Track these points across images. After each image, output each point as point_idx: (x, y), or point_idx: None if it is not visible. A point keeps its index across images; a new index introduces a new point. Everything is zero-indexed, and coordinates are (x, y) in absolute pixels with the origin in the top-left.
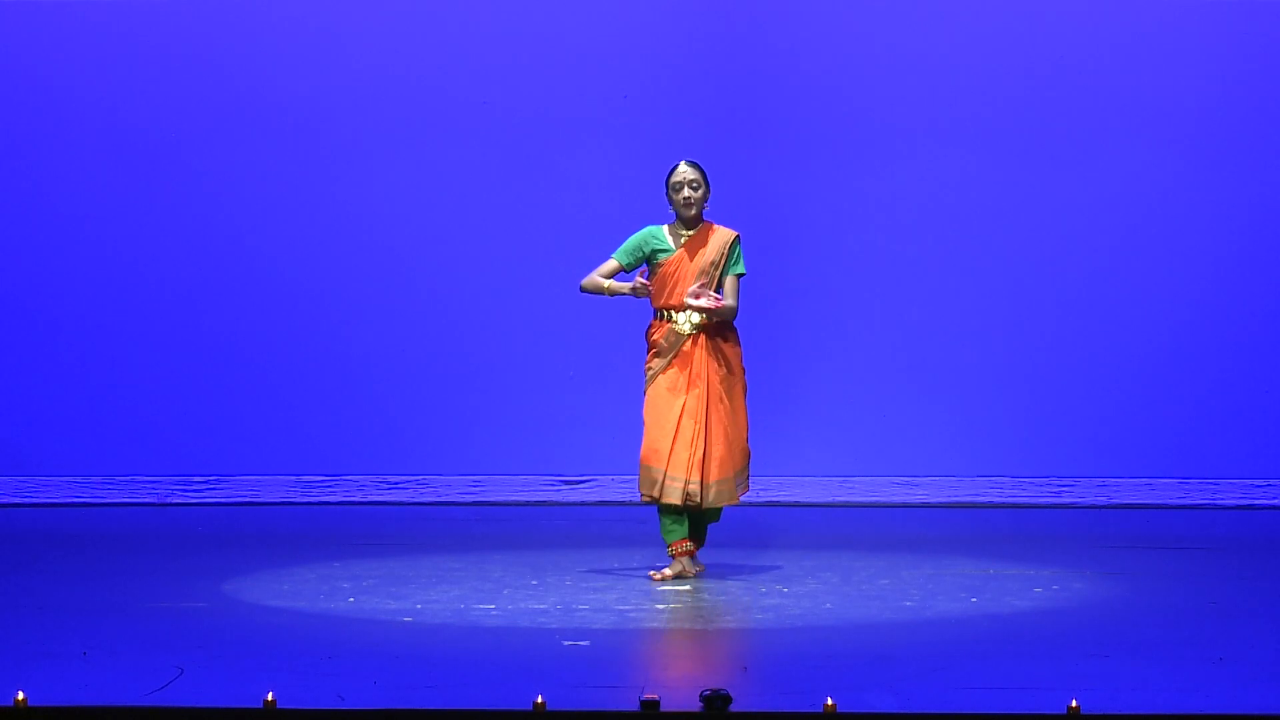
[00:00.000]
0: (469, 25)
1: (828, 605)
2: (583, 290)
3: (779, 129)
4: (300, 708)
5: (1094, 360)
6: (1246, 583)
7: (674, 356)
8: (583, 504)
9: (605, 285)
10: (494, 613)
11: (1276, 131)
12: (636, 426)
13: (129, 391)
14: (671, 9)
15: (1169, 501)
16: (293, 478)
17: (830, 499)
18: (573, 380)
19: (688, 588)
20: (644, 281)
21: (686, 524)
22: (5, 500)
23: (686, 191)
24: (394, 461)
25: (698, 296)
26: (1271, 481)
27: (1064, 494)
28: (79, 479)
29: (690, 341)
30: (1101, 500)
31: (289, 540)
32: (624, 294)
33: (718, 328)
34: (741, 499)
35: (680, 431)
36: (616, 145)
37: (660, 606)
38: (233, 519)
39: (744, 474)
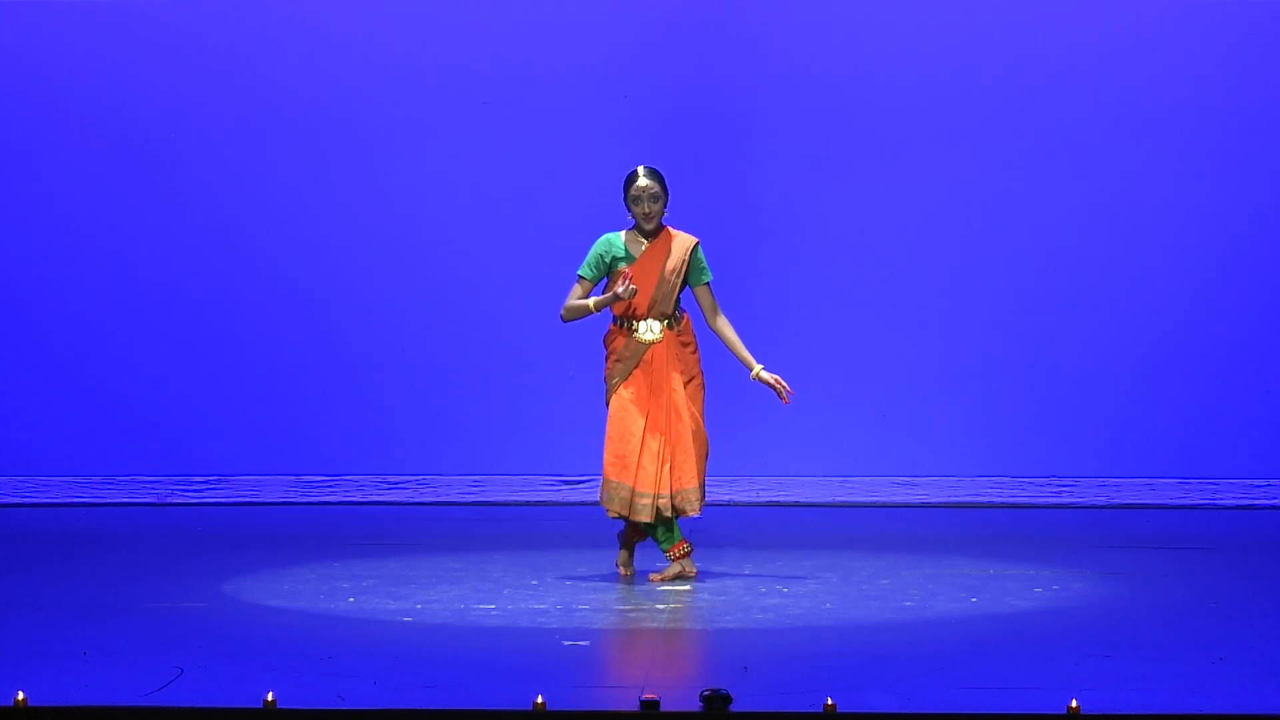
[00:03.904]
0: (469, 25)
1: (828, 605)
2: (566, 320)
3: (780, 128)
4: (300, 708)
5: (1095, 360)
6: (1246, 583)
7: (635, 366)
8: (583, 504)
9: (589, 304)
10: (494, 613)
11: (1276, 132)
12: None
13: (129, 391)
14: (672, 8)
15: (1169, 501)
16: (293, 478)
17: (830, 499)
18: (573, 380)
19: (688, 588)
20: (624, 280)
21: (676, 527)
22: (5, 500)
23: (646, 206)
24: (394, 461)
25: (778, 384)
26: (1271, 481)
27: (1064, 494)
28: (79, 479)
29: (651, 350)
30: (1101, 500)
31: (289, 540)
32: (610, 305)
33: (678, 335)
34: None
35: (645, 446)
36: (617, 145)
37: (660, 606)
38: (233, 519)
39: (703, 487)
